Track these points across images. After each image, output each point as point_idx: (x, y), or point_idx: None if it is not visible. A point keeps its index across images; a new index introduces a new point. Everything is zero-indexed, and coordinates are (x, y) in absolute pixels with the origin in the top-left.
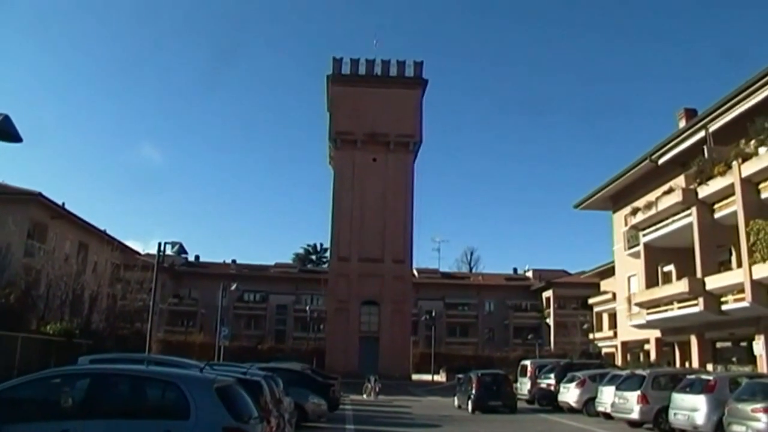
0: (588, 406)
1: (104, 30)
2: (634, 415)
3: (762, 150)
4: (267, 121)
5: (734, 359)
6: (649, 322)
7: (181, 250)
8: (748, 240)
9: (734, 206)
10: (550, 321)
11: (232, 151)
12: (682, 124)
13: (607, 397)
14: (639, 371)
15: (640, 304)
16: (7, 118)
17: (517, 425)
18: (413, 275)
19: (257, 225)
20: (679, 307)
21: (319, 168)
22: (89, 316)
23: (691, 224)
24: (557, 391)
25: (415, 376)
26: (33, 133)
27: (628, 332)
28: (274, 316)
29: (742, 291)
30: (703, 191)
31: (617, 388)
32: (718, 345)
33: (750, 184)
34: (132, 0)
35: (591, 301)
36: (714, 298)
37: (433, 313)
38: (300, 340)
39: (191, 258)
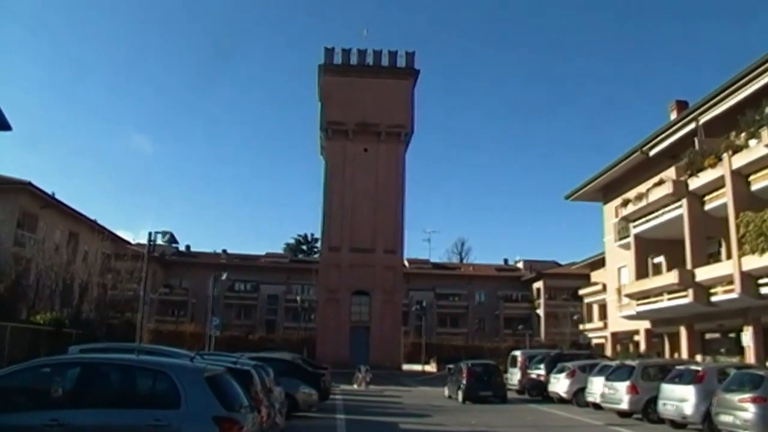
0: (578, 397)
1: (93, 18)
2: (624, 406)
3: (752, 142)
4: (258, 111)
5: (723, 350)
6: (639, 313)
7: (172, 239)
8: (737, 232)
9: (724, 198)
10: (541, 312)
11: (223, 140)
12: (674, 116)
13: (597, 387)
14: (628, 362)
15: (630, 296)
16: None
17: (507, 415)
18: (404, 265)
19: (248, 215)
20: (669, 299)
21: (310, 158)
22: (79, 305)
23: (681, 216)
24: (547, 382)
25: (405, 366)
26: (23, 122)
27: (618, 323)
28: (265, 306)
29: (732, 282)
30: (694, 183)
31: (607, 379)
32: (707, 336)
33: (740, 176)
34: None
35: (581, 292)
36: (703, 290)
37: (424, 304)
38: (291, 330)
39: (182, 248)
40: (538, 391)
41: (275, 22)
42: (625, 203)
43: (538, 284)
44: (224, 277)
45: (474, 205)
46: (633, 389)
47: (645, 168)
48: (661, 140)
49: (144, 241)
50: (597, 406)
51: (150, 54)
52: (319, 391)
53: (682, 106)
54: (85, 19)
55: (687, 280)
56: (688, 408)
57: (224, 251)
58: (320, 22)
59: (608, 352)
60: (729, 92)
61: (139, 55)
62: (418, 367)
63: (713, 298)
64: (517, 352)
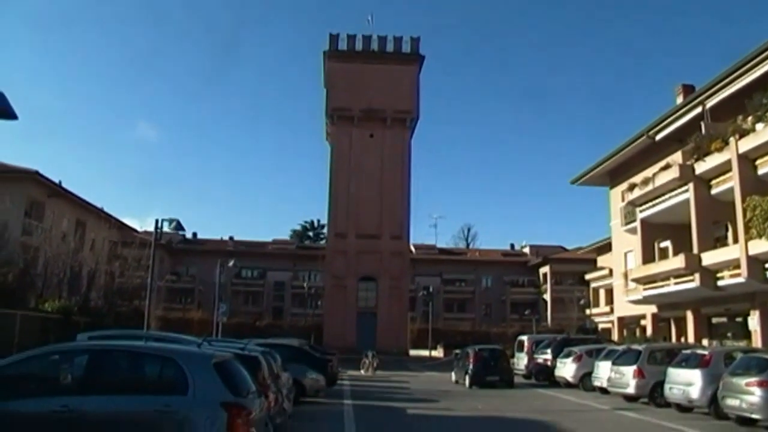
0: (584, 381)
1: (101, 9)
2: (630, 390)
3: (759, 126)
4: (264, 97)
5: (729, 334)
6: (645, 297)
7: (179, 227)
8: (744, 216)
9: (731, 182)
10: (547, 297)
11: (229, 128)
12: (680, 100)
13: (604, 372)
14: (635, 346)
15: (636, 280)
16: (1, 95)
17: (514, 400)
18: (410, 251)
19: (255, 202)
20: (676, 283)
21: (316, 144)
22: (87, 293)
23: (687, 200)
24: (554, 366)
25: (412, 352)
26: (29, 111)
27: (624, 308)
28: (272, 292)
29: (738, 267)
30: (700, 167)
31: (613, 363)
32: (714, 320)
33: (747, 160)
34: None
35: (588, 276)
36: (710, 274)
37: (431, 289)
38: (298, 316)
39: (189, 235)
40: (544, 376)
41: (280, 9)
42: (632, 188)
43: (545, 269)
44: (231, 264)
45: (480, 190)
46: (639, 373)
47: (651, 152)
48: (668, 124)
49: (151, 228)
50: (604, 391)
51: (156, 43)
52: (327, 376)
53: (688, 90)
54: (92, 10)
55: (693, 265)
56: (695, 392)
57: (231, 238)
58: (325, 8)
59: (615, 336)
60: (735, 76)
61: (145, 45)
62: (425, 353)
63: (720, 283)
64: (524, 337)
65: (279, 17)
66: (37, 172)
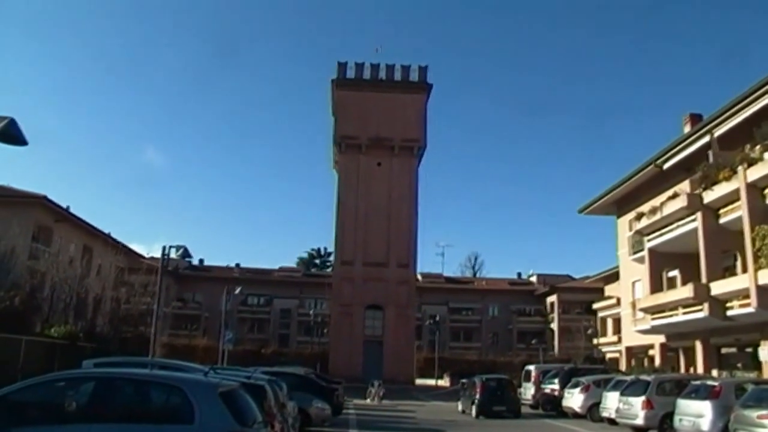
0: (592, 412)
1: (108, 33)
2: (639, 421)
3: (767, 155)
4: (272, 125)
5: (739, 365)
6: (653, 327)
7: (186, 253)
8: (753, 245)
9: (739, 211)
10: (555, 326)
11: (236, 154)
12: (687, 129)
13: (612, 402)
14: (643, 377)
15: (644, 310)
16: (12, 121)
17: (521, 430)
18: (417, 280)
19: (261, 229)
20: (684, 313)
21: (323, 172)
22: (93, 319)
23: (696, 229)
24: (561, 397)
25: (418, 381)
26: (38, 136)
27: (632, 337)
28: (278, 320)
29: (748, 296)
30: (708, 196)
31: (622, 394)
32: (723, 351)
33: (755, 189)
34: (137, 3)
35: (595, 306)
36: (719, 304)
37: (437, 318)
38: (304, 344)
39: (195, 262)
40: (552, 406)
41: (289, 38)
42: (639, 217)
43: (552, 298)
44: (237, 291)
45: (487, 219)
46: (648, 404)
47: (659, 181)
48: (675, 153)
49: (157, 254)
50: (612, 422)
51: (164, 68)
52: (332, 405)
53: (696, 119)
54: (102, 34)
55: (702, 294)
56: (705, 424)
57: (237, 265)
58: (333, 37)
59: (623, 366)
60: (743, 105)
61: (153, 70)
62: (431, 382)
63: (729, 312)
64: (531, 367)
65: (287, 45)
66: (45, 197)
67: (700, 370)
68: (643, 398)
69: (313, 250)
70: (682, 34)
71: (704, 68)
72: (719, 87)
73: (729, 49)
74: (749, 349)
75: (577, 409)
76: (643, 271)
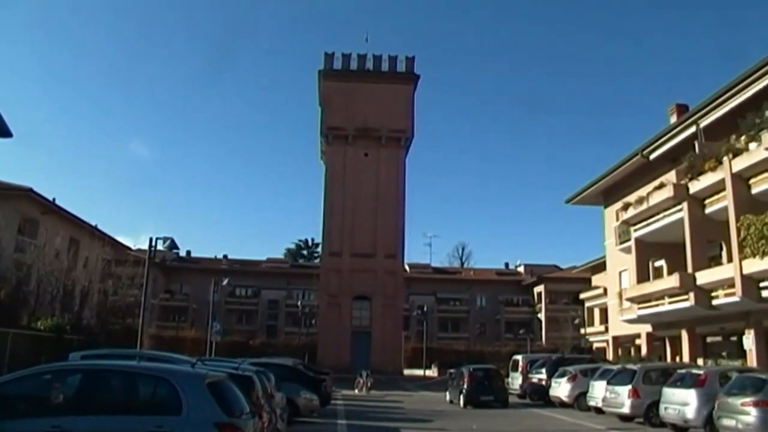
0: (579, 401)
1: (93, 27)
2: (625, 410)
3: (752, 146)
4: (258, 116)
5: (724, 354)
6: (640, 317)
7: (173, 245)
8: (738, 235)
9: (725, 201)
10: (542, 316)
11: (222, 146)
12: (674, 119)
13: (599, 391)
14: (630, 366)
15: (631, 299)
16: None
17: (509, 420)
18: (405, 270)
19: (249, 220)
20: (670, 302)
21: (310, 163)
22: (80, 311)
23: (682, 219)
24: (548, 386)
25: (407, 371)
26: (23, 129)
27: (619, 327)
28: (266, 311)
29: (733, 286)
30: (694, 187)
31: (608, 383)
32: (709, 339)
33: (740, 179)
34: None
35: (582, 296)
36: (704, 293)
37: (425, 308)
38: (292, 335)
39: (182, 253)
40: (539, 396)
41: (275, 28)
42: (626, 207)
43: (539, 288)
44: (225, 282)
45: (474, 210)
46: (635, 393)
47: (645, 172)
48: (662, 144)
49: (145, 246)
50: (598, 411)
51: (150, 60)
52: (321, 396)
53: (682, 109)
54: (86, 26)
55: (688, 284)
56: (690, 412)
57: (225, 256)
58: (321, 28)
59: (609, 356)
60: (729, 95)
61: (139, 61)
62: (419, 372)
63: (714, 302)
64: (519, 357)
65: (274, 36)
66: (30, 189)
67: (686, 358)
68: (629, 387)
69: (300, 241)
70: (680, 32)
71: (698, 63)
72: (708, 80)
73: (719, 44)
74: (734, 338)
75: (564, 399)
76: (629, 261)
